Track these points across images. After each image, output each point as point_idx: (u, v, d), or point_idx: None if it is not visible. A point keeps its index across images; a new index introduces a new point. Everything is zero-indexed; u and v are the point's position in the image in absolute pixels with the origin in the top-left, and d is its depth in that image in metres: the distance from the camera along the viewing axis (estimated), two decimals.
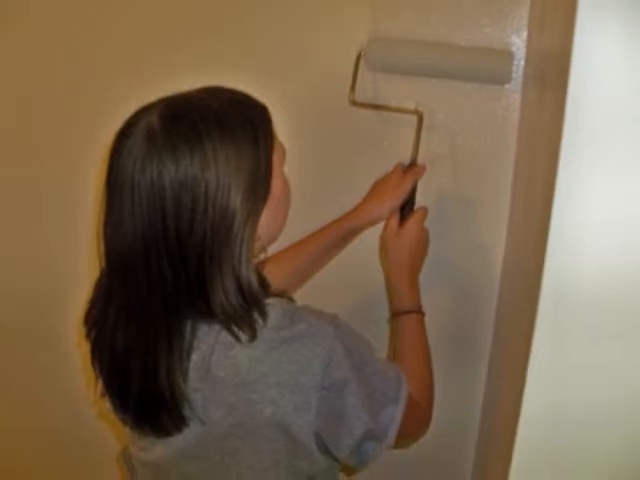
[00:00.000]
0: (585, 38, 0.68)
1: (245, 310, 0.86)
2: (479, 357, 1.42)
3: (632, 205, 0.71)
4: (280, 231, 0.97)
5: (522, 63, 1.26)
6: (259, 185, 0.87)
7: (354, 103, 1.30)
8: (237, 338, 0.86)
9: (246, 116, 0.87)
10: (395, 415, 0.93)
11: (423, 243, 1.22)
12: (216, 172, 0.82)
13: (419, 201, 1.26)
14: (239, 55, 1.35)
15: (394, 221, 1.22)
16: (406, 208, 1.24)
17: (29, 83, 1.46)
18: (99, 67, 1.41)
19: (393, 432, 0.93)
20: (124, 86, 1.38)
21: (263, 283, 0.92)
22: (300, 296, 1.05)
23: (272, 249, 1.06)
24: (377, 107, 1.33)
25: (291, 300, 0.95)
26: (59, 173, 1.49)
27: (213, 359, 0.87)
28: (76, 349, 1.39)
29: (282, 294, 0.94)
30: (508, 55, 1.25)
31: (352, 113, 1.33)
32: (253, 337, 0.86)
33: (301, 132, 1.32)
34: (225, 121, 0.84)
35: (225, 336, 0.86)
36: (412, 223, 1.20)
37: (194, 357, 0.87)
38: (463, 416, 1.47)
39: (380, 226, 1.26)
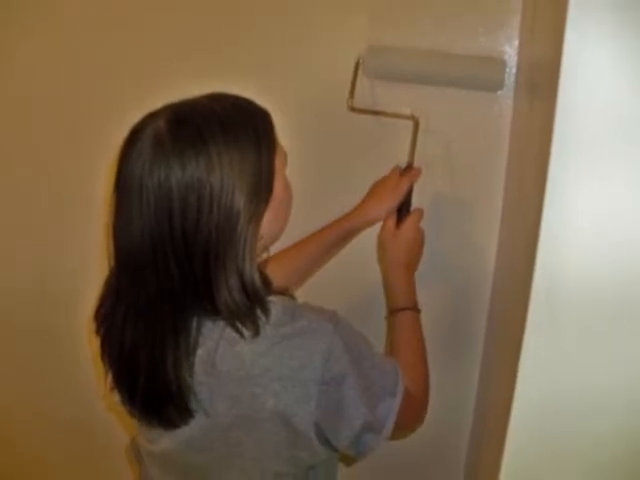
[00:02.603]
0: (574, 47, 0.68)
1: (248, 307, 0.86)
2: (473, 351, 1.42)
3: (618, 206, 0.71)
4: (282, 231, 0.97)
5: (514, 71, 1.26)
6: (262, 187, 0.87)
7: (353, 109, 1.30)
8: (241, 334, 0.86)
9: (249, 121, 0.88)
10: (392, 407, 0.93)
11: (419, 243, 1.22)
12: (221, 175, 0.82)
13: (415, 202, 1.26)
14: (241, 61, 1.35)
15: (391, 222, 1.23)
16: (403, 209, 1.24)
17: (41, 85, 1.47)
18: (108, 73, 1.42)
19: (390, 424, 0.93)
20: (130, 91, 1.38)
21: (265, 281, 0.92)
22: (301, 294, 1.05)
23: (274, 249, 1.06)
24: (375, 113, 1.33)
25: (292, 298, 0.96)
26: (71, 173, 1.49)
27: (218, 354, 0.87)
28: (87, 344, 1.39)
29: (283, 292, 0.94)
30: (501, 63, 1.25)
31: (351, 118, 1.33)
32: (256, 333, 0.86)
33: (302, 136, 1.32)
34: (229, 126, 0.85)
35: (229, 332, 0.86)
36: (408, 224, 1.20)
37: (200, 352, 0.88)
38: (457, 408, 1.47)
39: (378, 226, 1.26)
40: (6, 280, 1.61)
